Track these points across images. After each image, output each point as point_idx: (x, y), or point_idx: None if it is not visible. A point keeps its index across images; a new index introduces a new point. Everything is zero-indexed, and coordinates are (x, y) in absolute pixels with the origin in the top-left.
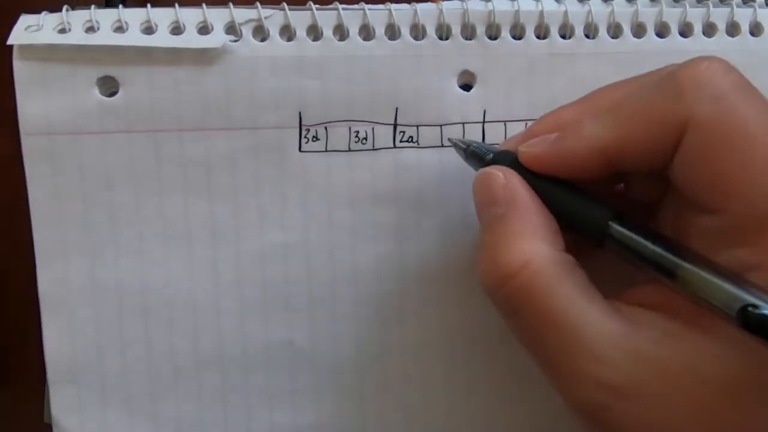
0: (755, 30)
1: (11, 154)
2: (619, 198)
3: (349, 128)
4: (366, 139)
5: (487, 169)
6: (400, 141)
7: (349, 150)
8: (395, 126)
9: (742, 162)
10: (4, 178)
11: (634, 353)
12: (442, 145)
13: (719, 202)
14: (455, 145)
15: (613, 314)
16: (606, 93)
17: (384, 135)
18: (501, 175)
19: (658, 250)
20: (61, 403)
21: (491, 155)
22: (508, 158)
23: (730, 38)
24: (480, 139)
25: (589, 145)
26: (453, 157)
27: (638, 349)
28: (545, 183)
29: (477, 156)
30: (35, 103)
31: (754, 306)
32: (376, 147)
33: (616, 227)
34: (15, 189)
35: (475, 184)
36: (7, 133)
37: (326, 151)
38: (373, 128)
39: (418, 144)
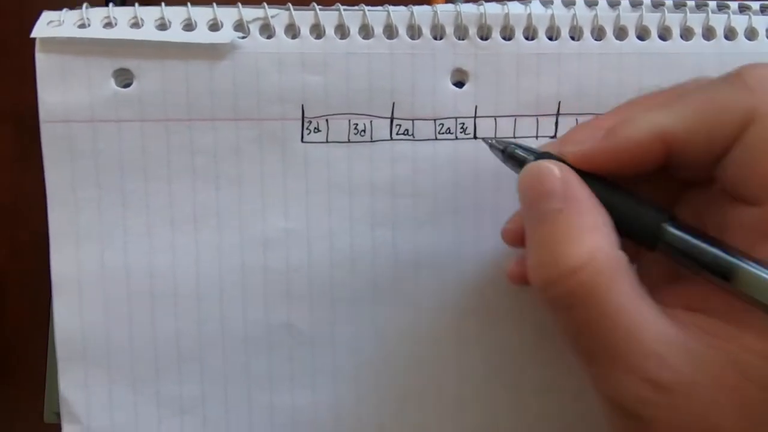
0: (729, 34)
1: (11, 154)
2: None
3: (349, 121)
4: (364, 131)
5: (542, 162)
6: (397, 134)
7: (349, 141)
8: (392, 120)
9: None
10: (4, 178)
11: (684, 351)
12: (436, 138)
13: (765, 194)
14: (491, 146)
15: (663, 314)
16: (649, 96)
17: (381, 128)
18: (557, 169)
19: (715, 251)
20: (69, 379)
21: (533, 156)
22: (552, 159)
23: (706, 42)
24: (472, 133)
25: (649, 132)
26: (445, 150)
27: (687, 347)
28: (596, 184)
29: (517, 158)
30: (55, 92)
31: None
32: (374, 139)
33: (671, 230)
34: (15, 189)
35: (525, 177)
36: (8, 135)
37: (327, 142)
38: (371, 121)
39: (414, 137)
